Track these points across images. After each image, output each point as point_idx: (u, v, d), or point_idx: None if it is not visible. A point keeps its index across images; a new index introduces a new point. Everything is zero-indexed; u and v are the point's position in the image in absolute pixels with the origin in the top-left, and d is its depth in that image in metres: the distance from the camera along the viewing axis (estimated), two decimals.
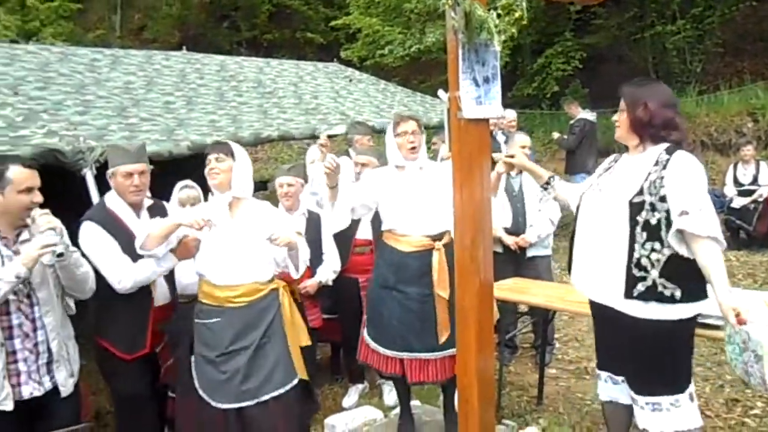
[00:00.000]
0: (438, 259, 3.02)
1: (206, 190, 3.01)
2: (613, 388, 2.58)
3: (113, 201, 2.93)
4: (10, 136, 3.72)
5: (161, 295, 3.03)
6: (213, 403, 2.71)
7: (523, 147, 4.23)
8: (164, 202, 3.23)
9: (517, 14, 2.25)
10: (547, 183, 2.76)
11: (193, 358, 2.80)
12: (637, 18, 11.28)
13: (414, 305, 3.05)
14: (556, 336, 4.76)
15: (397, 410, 3.80)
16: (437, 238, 3.05)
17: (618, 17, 11.29)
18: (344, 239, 3.93)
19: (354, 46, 12.89)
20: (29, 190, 2.41)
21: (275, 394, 2.71)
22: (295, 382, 2.77)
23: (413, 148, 3.06)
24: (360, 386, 4.14)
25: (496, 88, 2.41)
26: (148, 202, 3.04)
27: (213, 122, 4.92)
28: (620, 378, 2.52)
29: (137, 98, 5.19)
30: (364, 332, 3.23)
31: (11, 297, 2.39)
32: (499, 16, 2.24)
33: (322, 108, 6.13)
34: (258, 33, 14.61)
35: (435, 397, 3.85)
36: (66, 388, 2.55)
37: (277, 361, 2.74)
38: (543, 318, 4.08)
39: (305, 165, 4.44)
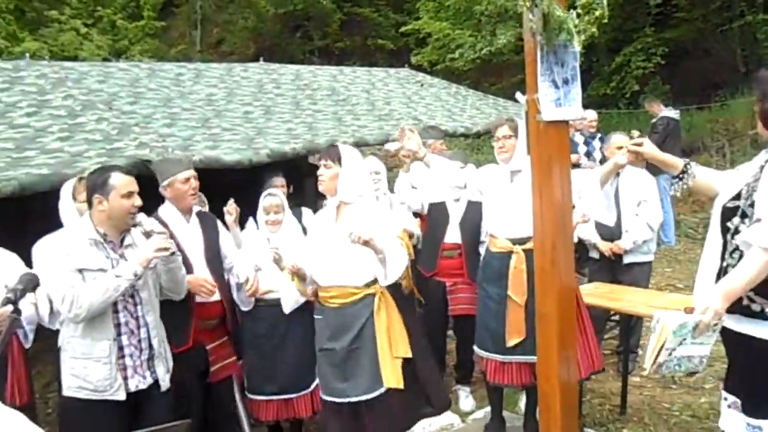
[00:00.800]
0: (514, 262, 2.99)
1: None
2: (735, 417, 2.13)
3: (166, 210, 3.09)
4: (107, 149, 3.99)
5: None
6: (321, 394, 2.90)
7: (620, 148, 4.07)
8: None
9: (597, 13, 2.20)
10: (683, 172, 2.30)
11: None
12: (723, 8, 10.69)
13: (492, 304, 3.10)
14: (640, 342, 4.58)
15: (474, 416, 3.79)
16: (520, 242, 3.05)
17: (702, 8, 10.74)
18: (433, 243, 3.95)
19: (424, 50, 12.91)
20: (130, 194, 2.57)
21: (364, 398, 2.76)
22: (382, 390, 2.76)
23: (502, 152, 3.20)
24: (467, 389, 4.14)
25: (576, 89, 2.36)
26: (196, 208, 3.19)
27: (290, 130, 5.07)
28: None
29: (219, 109, 5.44)
30: None
31: (119, 297, 2.54)
32: (578, 15, 2.20)
33: (395, 113, 6.18)
34: (330, 41, 14.90)
35: (513, 404, 3.79)
36: (165, 382, 2.70)
37: (365, 367, 2.78)
38: (627, 324, 3.94)
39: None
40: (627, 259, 4.09)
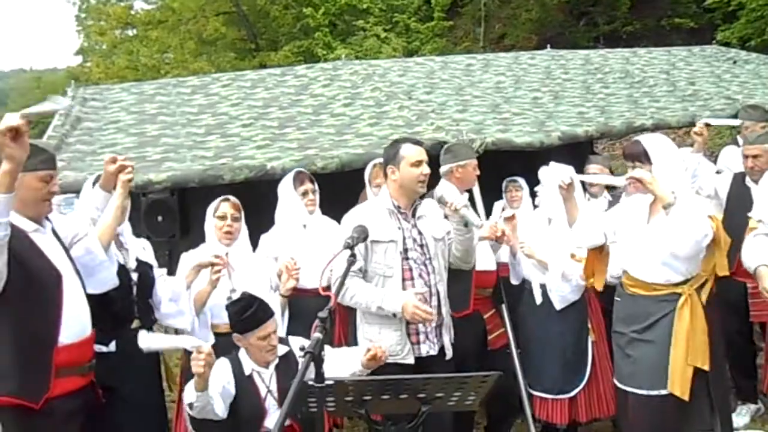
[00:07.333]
0: None
1: None
2: None
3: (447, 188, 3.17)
4: (408, 132, 4.35)
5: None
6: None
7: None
8: None
9: None
10: None
11: None
12: None
13: None
14: None
15: None
16: None
17: None
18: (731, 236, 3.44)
19: (733, 26, 11.24)
20: (419, 163, 2.71)
21: (638, 391, 2.60)
22: (663, 393, 2.55)
23: None
24: (753, 407, 3.58)
25: None
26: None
27: (581, 114, 4.91)
28: None
29: (507, 96, 5.53)
30: None
31: (414, 266, 2.72)
32: None
33: (702, 94, 5.52)
34: (618, 26, 13.95)
35: None
36: (449, 352, 2.81)
37: (650, 364, 2.59)
38: None
39: None
40: None
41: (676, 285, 2.58)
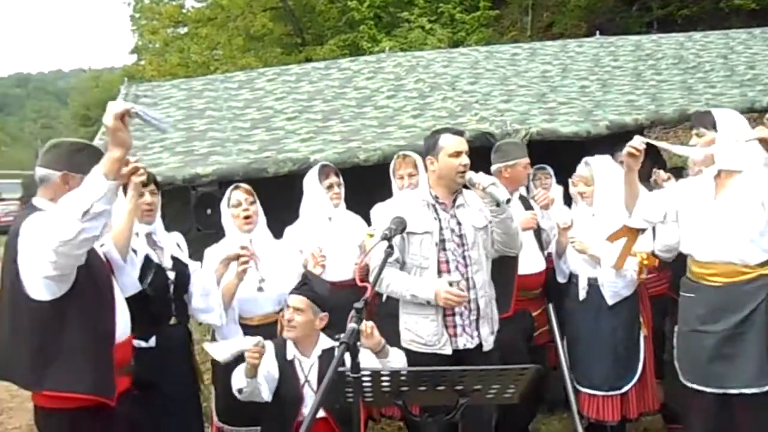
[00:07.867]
0: None
1: None
2: None
3: None
4: (451, 123, 4.31)
5: None
6: (682, 379, 2.65)
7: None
8: None
9: None
10: None
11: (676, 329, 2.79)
12: None
13: None
14: None
15: None
16: None
17: None
18: None
19: None
20: (458, 154, 2.67)
21: (746, 391, 2.45)
22: None
23: None
24: None
25: None
26: None
27: (631, 102, 4.74)
28: None
29: (554, 85, 5.40)
30: None
31: (450, 257, 2.69)
32: None
33: (762, 78, 5.25)
34: (673, 9, 13.42)
35: None
36: (488, 343, 2.76)
37: (750, 357, 2.46)
38: None
39: None
40: None
41: (762, 265, 2.46)
